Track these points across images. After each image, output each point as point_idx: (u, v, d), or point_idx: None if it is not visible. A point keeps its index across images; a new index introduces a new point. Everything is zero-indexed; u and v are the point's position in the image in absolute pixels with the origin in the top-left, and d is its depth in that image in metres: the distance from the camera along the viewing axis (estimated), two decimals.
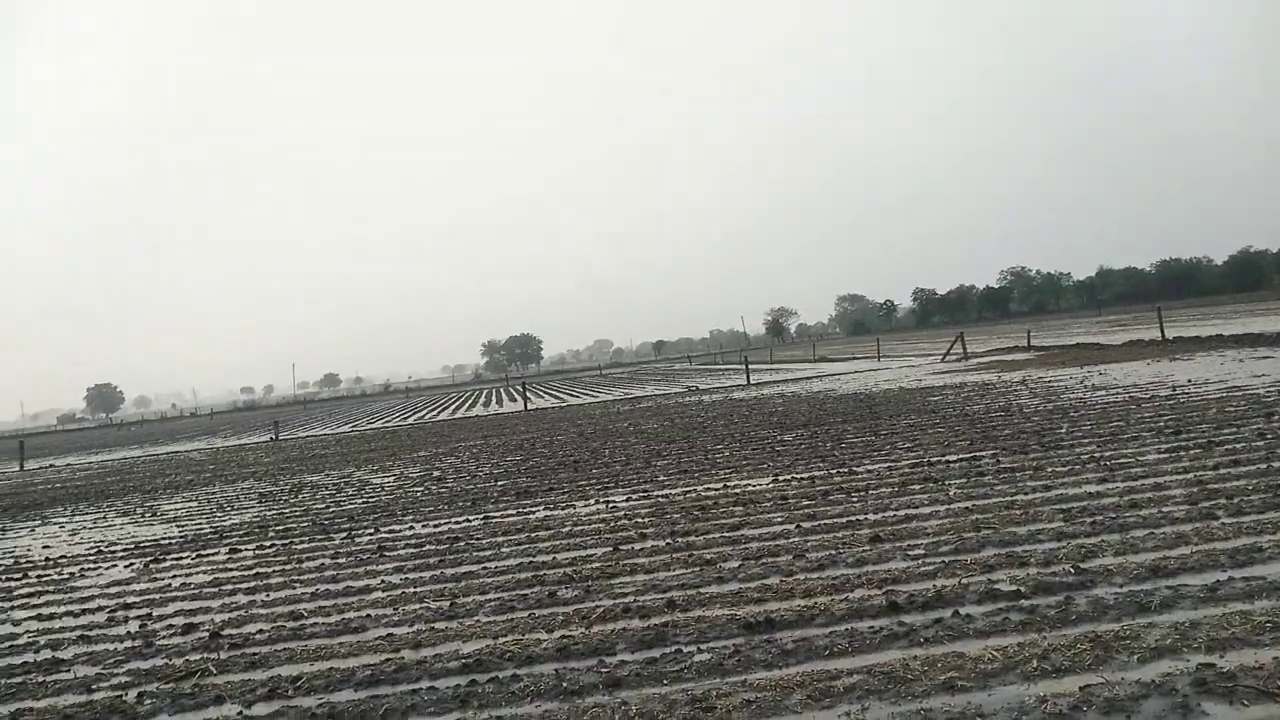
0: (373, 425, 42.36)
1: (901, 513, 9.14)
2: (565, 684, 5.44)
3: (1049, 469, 10.54)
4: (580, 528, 10.34)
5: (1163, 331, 36.26)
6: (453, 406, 55.24)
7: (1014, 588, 6.27)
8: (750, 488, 11.74)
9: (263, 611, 8.12)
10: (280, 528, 13.00)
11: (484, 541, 10.18)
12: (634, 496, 12.11)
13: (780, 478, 12.24)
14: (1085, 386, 20.29)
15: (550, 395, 53.55)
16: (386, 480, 17.73)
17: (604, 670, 5.59)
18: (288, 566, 10.07)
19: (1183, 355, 26.51)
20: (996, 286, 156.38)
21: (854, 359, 55.42)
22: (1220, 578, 6.01)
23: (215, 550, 11.68)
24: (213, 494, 18.86)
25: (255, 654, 6.80)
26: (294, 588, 8.95)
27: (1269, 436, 10.92)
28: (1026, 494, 9.34)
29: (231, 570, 10.23)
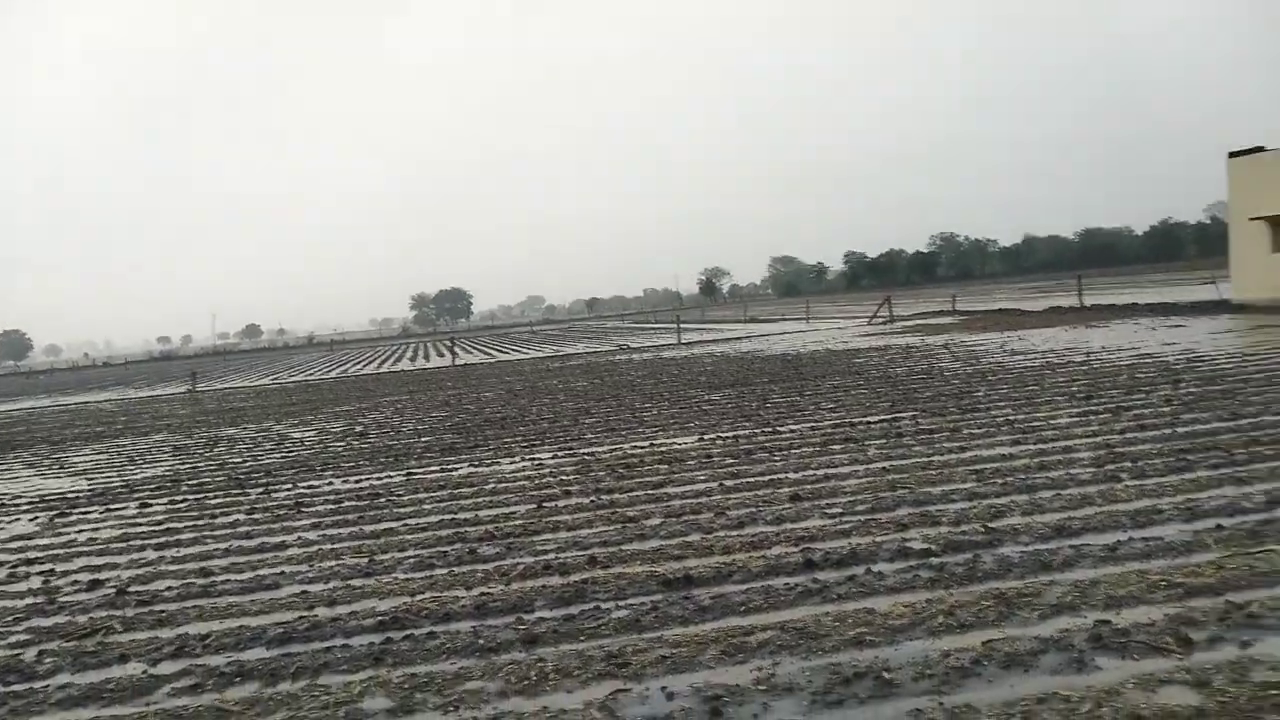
0: (294, 378, 41.55)
1: (821, 472, 9.29)
2: (482, 641, 5.42)
3: (965, 431, 10.81)
4: (504, 485, 10.30)
5: (1081, 299, 37.35)
6: (379, 360, 54.44)
7: (925, 546, 6.43)
8: (676, 446, 11.81)
9: (172, 568, 7.93)
10: (194, 482, 12.69)
11: (405, 498, 10.08)
12: (560, 454, 12.10)
13: (705, 436, 12.34)
14: (1005, 351, 20.83)
15: (479, 351, 53.10)
16: (307, 435, 17.42)
17: (522, 627, 5.60)
18: (200, 522, 9.85)
19: (1099, 322, 27.36)
20: (925, 251, 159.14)
21: (784, 320, 56.05)
22: (1120, 538, 6.24)
23: (124, 505, 11.36)
24: (124, 446, 18.33)
25: (163, 611, 6.64)
26: (206, 544, 8.77)
27: (1174, 403, 11.34)
28: (942, 455, 9.56)
29: (141, 525, 9.96)
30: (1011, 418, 11.39)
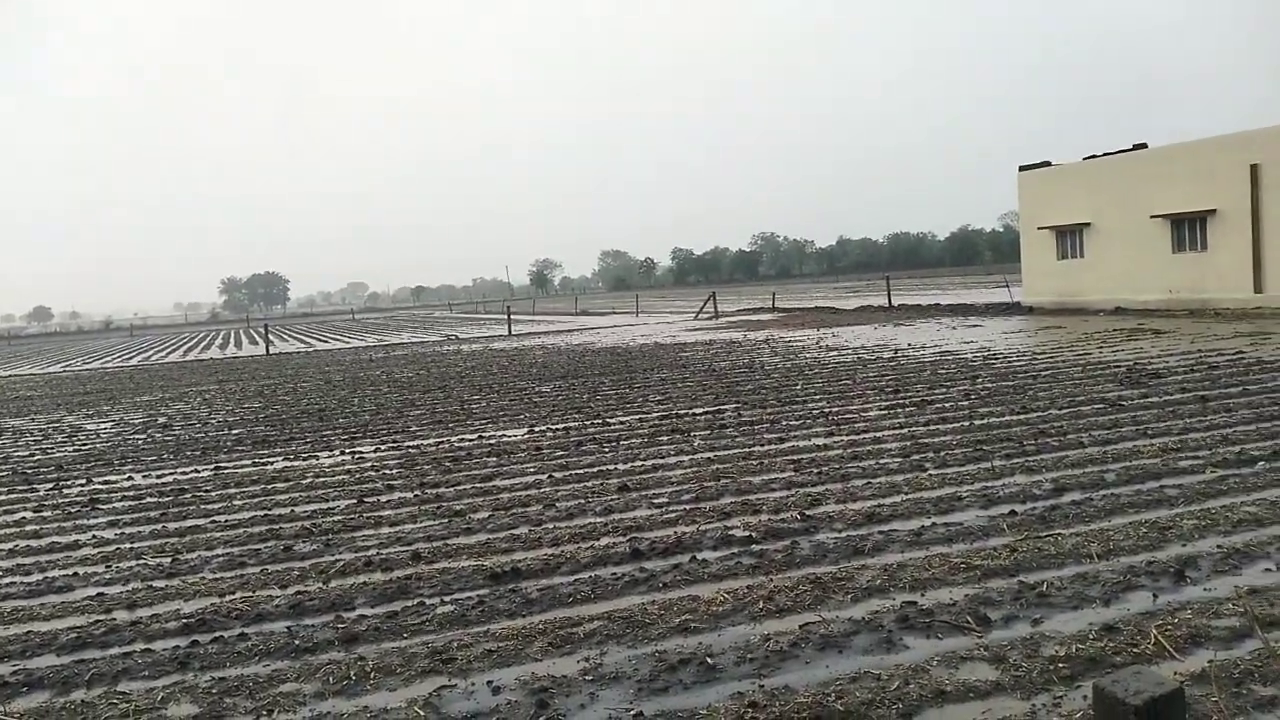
0: (90, 366, 38.48)
1: (649, 463, 9.43)
2: (298, 641, 5.19)
3: (784, 422, 11.23)
4: (323, 479, 9.89)
5: (890, 299, 39.57)
6: (185, 348, 51.17)
7: (747, 534, 6.63)
8: (505, 438, 11.70)
9: None
10: None
11: (214, 494, 9.52)
12: (383, 447, 11.75)
13: (536, 429, 12.29)
14: (820, 347, 21.79)
15: (296, 339, 50.84)
16: (103, 427, 16.17)
17: (341, 626, 5.39)
18: None
19: (906, 321, 29.07)
20: (748, 250, 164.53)
21: (614, 313, 56.59)
22: (925, 523, 6.64)
23: None
24: None
25: None
26: None
27: (972, 397, 12.19)
28: (763, 445, 9.90)
29: None
30: (826, 410, 11.93)
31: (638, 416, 12.69)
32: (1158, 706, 1.67)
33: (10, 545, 7.88)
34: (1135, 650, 4.37)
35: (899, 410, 11.55)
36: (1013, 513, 6.73)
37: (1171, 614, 4.73)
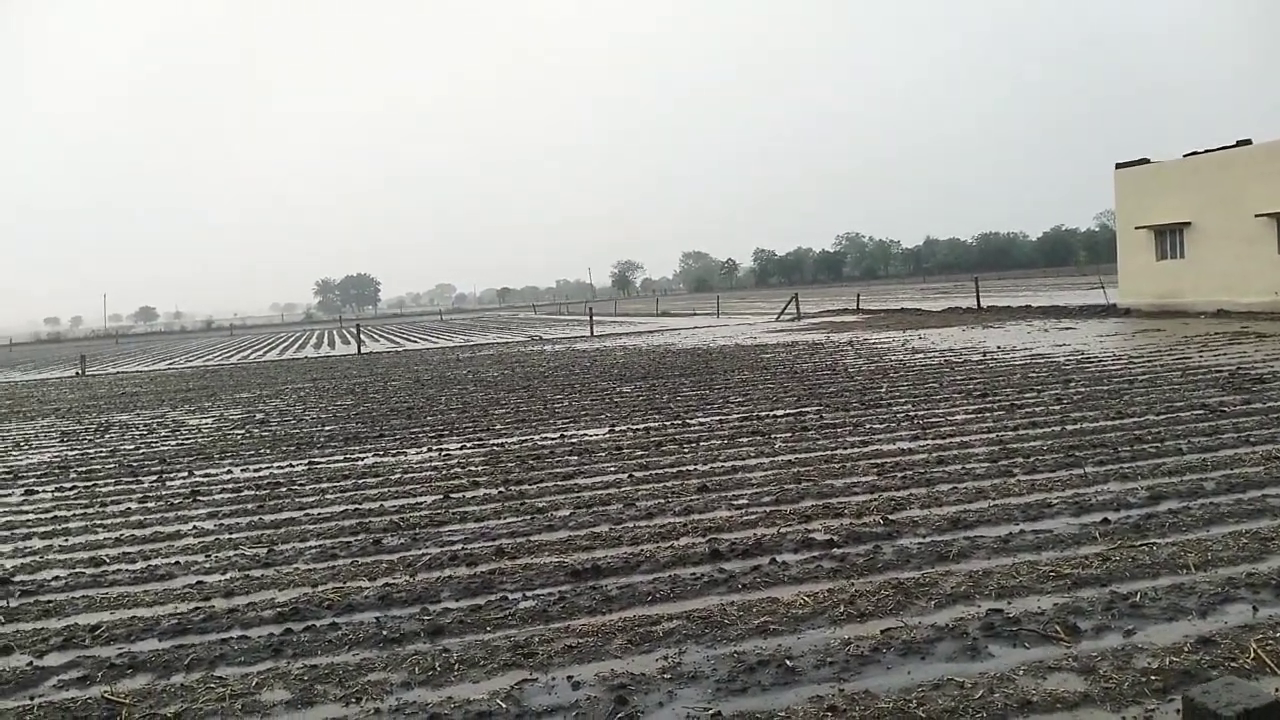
0: (192, 364, 40.12)
1: (729, 464, 9.42)
2: (385, 632, 5.34)
3: (867, 425, 11.09)
4: (410, 475, 10.14)
5: (979, 300, 38.65)
6: (280, 347, 52.93)
7: (828, 537, 6.58)
8: (587, 437, 11.82)
9: (60, 557, 7.59)
10: (83, 469, 12.15)
11: (307, 488, 9.84)
12: (469, 445, 11.98)
13: (616, 428, 12.38)
14: (906, 349, 21.43)
15: (386, 339, 52.13)
16: (204, 422, 16.85)
17: (427, 618, 5.53)
18: (90, 510, 9.44)
19: (995, 323, 28.37)
20: (831, 251, 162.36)
21: (695, 315, 56.53)
22: (1013, 530, 6.50)
23: (9, 491, 10.81)
24: (8, 431, 17.42)
25: (50, 601, 6.36)
26: (96, 533, 8.41)
27: (1064, 401, 11.84)
28: (845, 449, 9.80)
29: (26, 513, 9.50)
30: (911, 413, 11.73)
31: (718, 418, 12.68)
32: (1251, 719, 1.62)
33: (117, 534, 8.28)
34: (1233, 664, 4.20)
35: (987, 414, 11.30)
36: (1105, 521, 6.53)
37: (1272, 628, 4.53)
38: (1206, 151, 26.87)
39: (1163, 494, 7.10)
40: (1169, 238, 27.74)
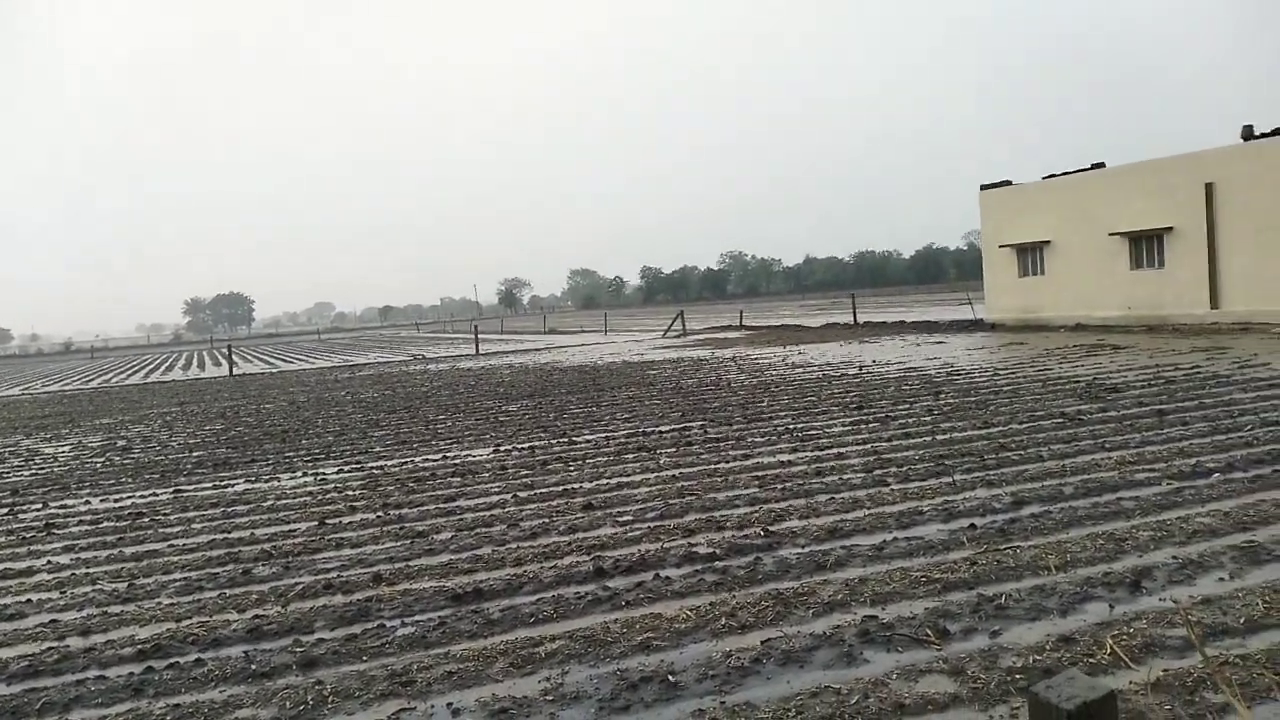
0: (49, 388, 37.79)
1: (615, 481, 9.41)
2: (255, 666, 5.11)
3: (749, 439, 11.27)
4: (284, 502, 9.78)
5: (855, 316, 39.89)
6: (145, 369, 50.41)
7: (710, 550, 6.64)
8: (470, 458, 11.64)
9: None
10: None
11: (172, 517, 9.37)
12: (346, 468, 11.64)
13: (501, 448, 12.23)
14: (786, 364, 21.90)
15: (260, 360, 50.28)
16: (61, 450, 15.87)
17: (299, 650, 5.32)
18: None
19: (870, 338, 29.30)
20: (716, 268, 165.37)
21: (583, 332, 56.53)
22: (886, 538, 6.69)
23: None
24: None
25: None
26: None
27: (935, 412, 12.30)
28: (728, 462, 9.93)
29: None
30: (791, 426, 11.98)
31: (604, 434, 12.68)
32: (1089, 710, 1.69)
33: None
34: (1091, 660, 4.42)
35: (863, 426, 11.63)
36: (973, 526, 6.79)
37: (1127, 624, 4.79)
38: (1064, 174, 28.48)
39: (1025, 499, 7.43)
40: (1030, 255, 29.24)
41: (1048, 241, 28.32)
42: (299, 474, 11.50)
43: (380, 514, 8.77)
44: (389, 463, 11.79)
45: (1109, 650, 4.47)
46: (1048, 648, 4.57)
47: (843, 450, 10.11)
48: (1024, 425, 10.83)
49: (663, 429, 12.70)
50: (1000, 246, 29.97)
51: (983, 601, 5.25)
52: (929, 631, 4.88)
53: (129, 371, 49.83)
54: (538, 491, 9.20)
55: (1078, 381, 14.50)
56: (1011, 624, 4.95)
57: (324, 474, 11.33)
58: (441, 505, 8.95)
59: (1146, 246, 25.58)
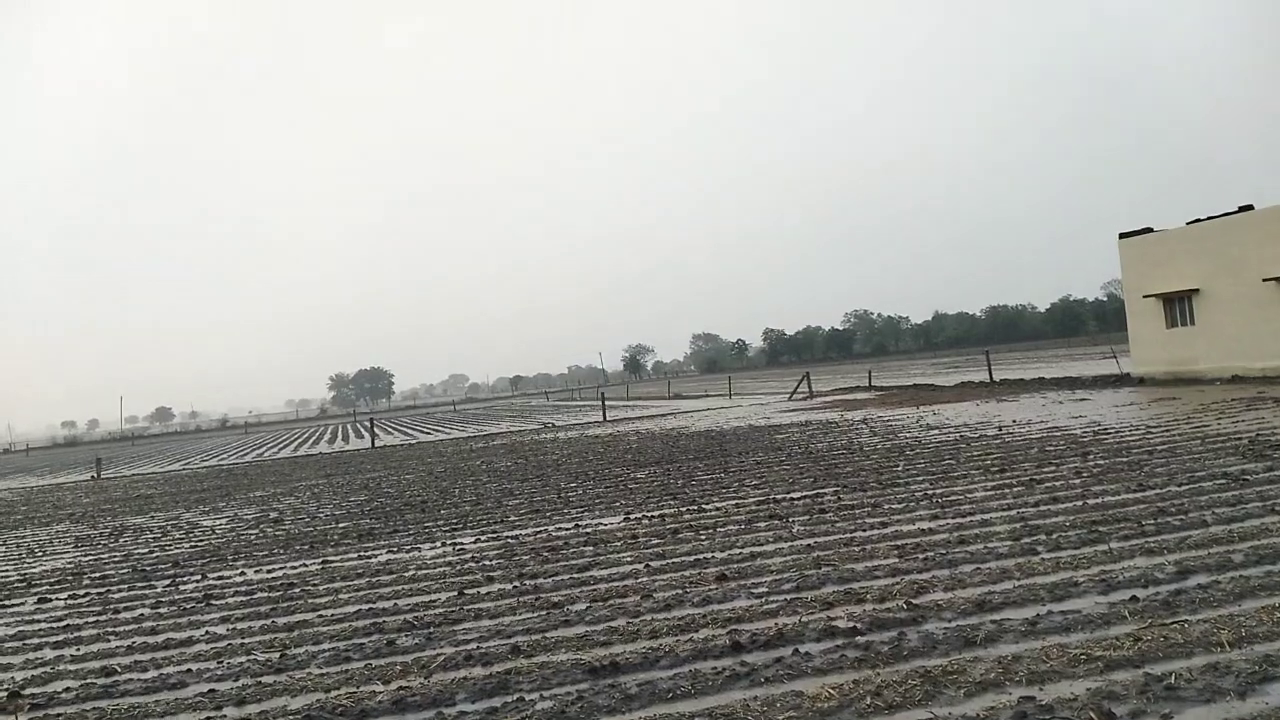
0: (207, 463, 40.15)
1: (747, 550, 9.28)
2: None
3: (886, 506, 10.95)
4: (424, 572, 10.03)
5: (991, 374, 38.54)
6: (294, 443, 53.02)
7: (851, 624, 6.43)
8: (601, 526, 11.70)
9: (71, 667, 7.49)
10: (96, 575, 12.07)
11: (321, 588, 9.73)
12: (483, 538, 11.87)
13: (631, 516, 12.26)
14: (920, 426, 21.28)
15: (400, 432, 52.17)
16: (218, 523, 16.78)
17: None
18: (102, 617, 9.34)
19: (1008, 396, 28.22)
20: (841, 328, 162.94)
21: (707, 396, 56.48)
22: (1040, 611, 6.34)
23: (21, 600, 10.73)
24: (22, 538, 17.37)
25: (60, 715, 6.25)
26: (108, 640, 8.31)
27: (1084, 475, 11.69)
28: (865, 531, 9.66)
29: (38, 622, 9.40)
30: (930, 492, 11.59)
31: (734, 502, 12.55)
32: None
33: (129, 642, 8.17)
34: None
35: (1006, 490, 11.15)
36: (1134, 598, 6.37)
37: None
38: (1209, 219, 27.06)
39: (1191, 568, 6.94)
40: (1178, 305, 27.75)
41: (1196, 290, 26.83)
42: (438, 544, 11.79)
43: (516, 584, 8.88)
44: (523, 532, 11.97)
45: None
46: None
47: (986, 517, 9.70)
48: (1183, 487, 10.17)
49: (794, 495, 12.48)
50: (1145, 296, 28.55)
51: (1150, 681, 4.90)
52: (1093, 715, 4.58)
53: (279, 446, 52.49)
54: (670, 561, 9.15)
55: (1240, 438, 13.56)
56: (1184, 706, 4.60)
57: (461, 544, 11.58)
58: (575, 575, 9.00)
59: None
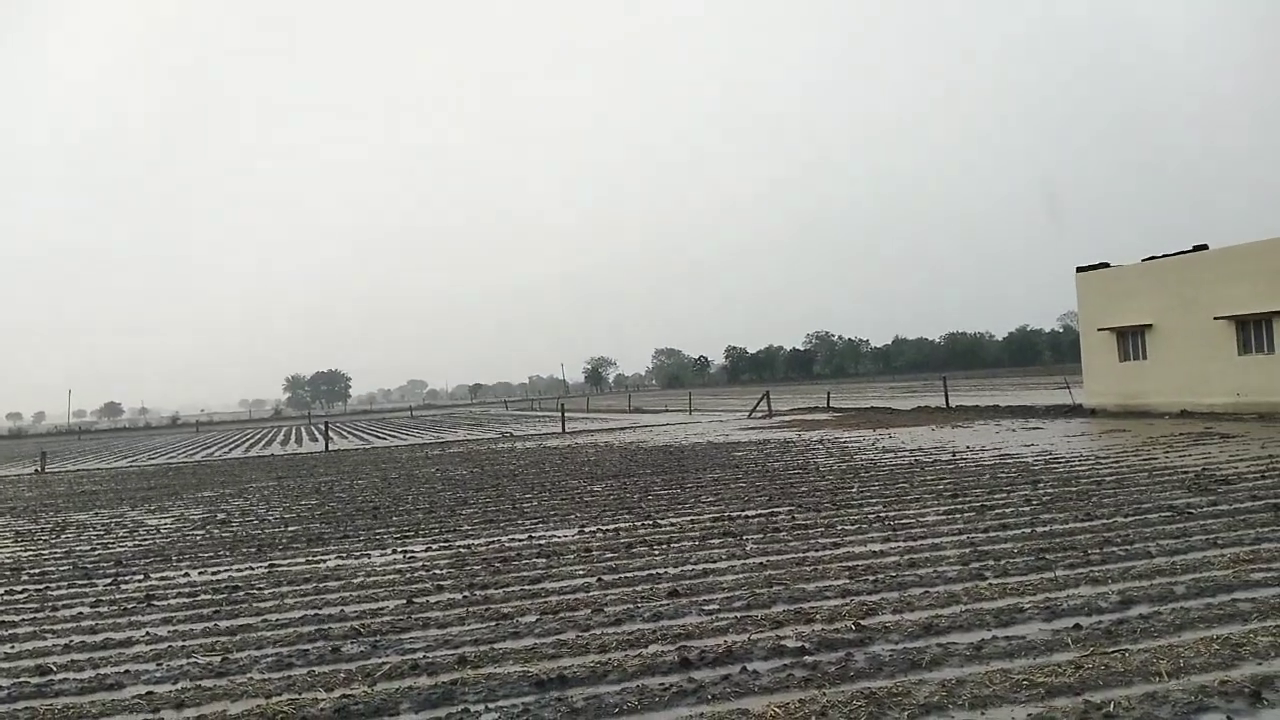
0: (155, 461, 39.41)
1: (700, 567, 9.29)
2: None
3: (839, 527, 11.02)
4: (374, 579, 9.91)
5: (947, 399, 39.01)
6: (247, 444, 52.20)
7: (800, 644, 6.46)
8: (555, 539, 11.65)
9: (4, 665, 7.29)
10: (36, 571, 11.78)
11: (266, 592, 9.58)
12: (435, 546, 11.76)
13: (586, 529, 12.22)
14: (876, 448, 21.47)
15: (355, 436, 51.60)
16: (163, 522, 16.45)
17: None
18: (39, 615, 9.12)
19: (964, 422, 28.58)
20: (802, 349, 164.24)
21: (667, 411, 56.55)
22: (985, 636, 6.41)
23: None
24: None
25: None
26: (44, 639, 8.10)
27: (1034, 502, 11.86)
28: (817, 551, 9.71)
29: None
30: (883, 514, 11.69)
31: (689, 518, 12.56)
32: None
33: (66, 641, 7.97)
34: None
35: (958, 516, 11.28)
36: (1078, 626, 6.46)
37: None
38: (1165, 256, 27.67)
39: (1133, 598, 7.06)
40: (1131, 339, 28.31)
41: (1149, 325, 27.39)
42: (389, 551, 11.67)
43: (466, 594, 8.81)
44: (476, 541, 11.88)
45: None
46: None
47: (937, 541, 9.80)
48: (1129, 518, 10.35)
49: (749, 514, 12.53)
50: (1099, 330, 29.10)
51: (1090, 709, 4.97)
52: None
53: (231, 446, 51.67)
54: (622, 575, 9.13)
55: (1186, 472, 13.85)
56: None
57: (413, 551, 11.47)
58: (527, 587, 8.95)
59: (1255, 331, 24.51)
